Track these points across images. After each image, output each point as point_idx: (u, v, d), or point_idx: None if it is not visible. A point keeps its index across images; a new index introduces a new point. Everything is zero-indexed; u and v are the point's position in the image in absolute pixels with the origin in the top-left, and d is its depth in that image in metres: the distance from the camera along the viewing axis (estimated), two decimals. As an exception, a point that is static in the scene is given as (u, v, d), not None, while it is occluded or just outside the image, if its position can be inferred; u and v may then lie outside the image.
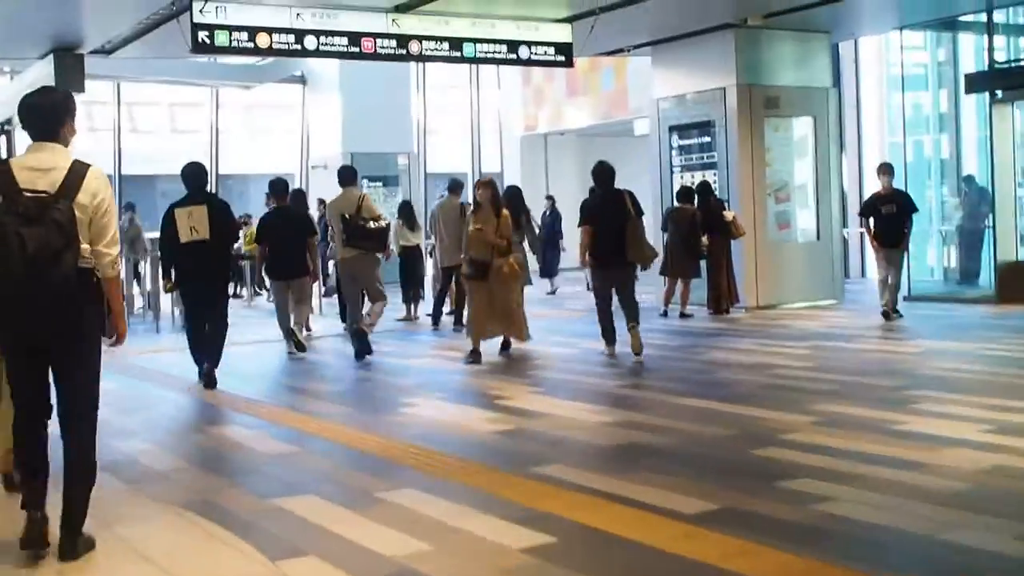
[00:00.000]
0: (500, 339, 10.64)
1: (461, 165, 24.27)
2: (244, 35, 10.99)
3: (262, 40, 11.09)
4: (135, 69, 20.58)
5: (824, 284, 14.79)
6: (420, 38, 11.98)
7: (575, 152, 24.93)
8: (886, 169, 12.49)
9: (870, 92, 19.70)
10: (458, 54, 12.28)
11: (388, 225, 11.23)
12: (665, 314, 13.66)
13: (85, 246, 4.32)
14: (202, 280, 8.98)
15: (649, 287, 16.00)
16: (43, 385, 4.48)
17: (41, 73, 13.43)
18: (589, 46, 13.66)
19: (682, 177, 14.92)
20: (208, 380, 8.93)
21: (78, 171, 4.34)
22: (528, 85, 25.42)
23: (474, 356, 10.00)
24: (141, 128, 27.60)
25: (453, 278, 13.01)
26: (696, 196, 13.72)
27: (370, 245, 10.46)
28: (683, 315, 13.48)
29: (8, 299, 4.24)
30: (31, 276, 4.15)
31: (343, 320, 12.74)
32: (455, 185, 13.77)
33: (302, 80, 22.72)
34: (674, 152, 15.18)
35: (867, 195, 19.19)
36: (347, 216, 10.35)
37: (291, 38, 11.24)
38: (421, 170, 23.17)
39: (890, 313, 12.19)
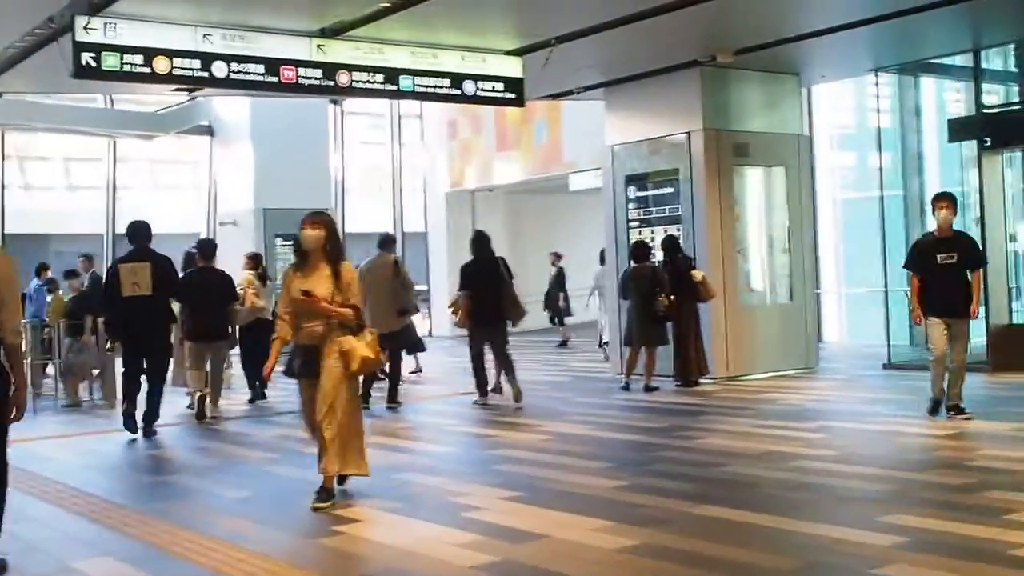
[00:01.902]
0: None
1: (382, 223, 22.52)
2: (139, 58, 9.14)
3: (160, 65, 9.25)
4: (21, 114, 18.68)
5: (798, 350, 13.34)
6: (350, 68, 10.28)
7: (505, 209, 23.37)
8: (947, 201, 8.78)
9: (823, 143, 18.46)
10: (393, 87, 10.60)
11: None
12: (627, 387, 12.01)
13: None
14: (144, 334, 9.68)
15: (593, 355, 14.34)
16: None
17: None
18: (537, 86, 12.15)
19: (639, 232, 13.28)
20: (146, 432, 9.71)
21: None
22: (455, 139, 23.87)
23: (326, 495, 6.50)
24: (34, 184, 25.79)
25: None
26: (662, 252, 12.18)
27: None
28: (648, 388, 11.81)
29: None
30: None
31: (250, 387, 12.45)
32: (386, 240, 12.18)
33: (209, 130, 20.86)
34: (631, 205, 13.57)
35: (823, 254, 18.12)
36: None
37: (196, 63, 9.42)
38: (340, 228, 21.39)
39: (957, 409, 8.88)
